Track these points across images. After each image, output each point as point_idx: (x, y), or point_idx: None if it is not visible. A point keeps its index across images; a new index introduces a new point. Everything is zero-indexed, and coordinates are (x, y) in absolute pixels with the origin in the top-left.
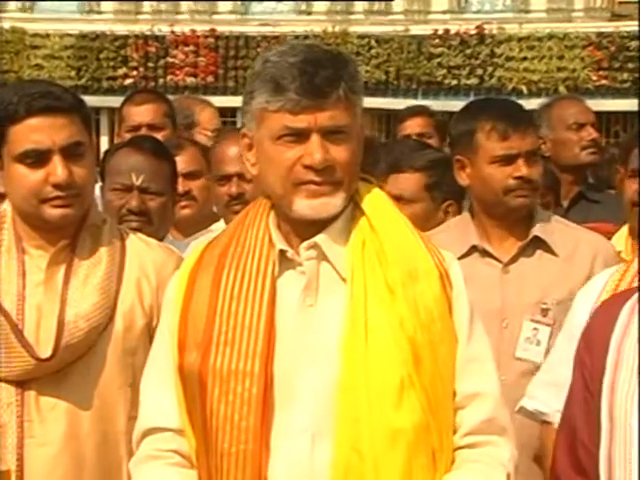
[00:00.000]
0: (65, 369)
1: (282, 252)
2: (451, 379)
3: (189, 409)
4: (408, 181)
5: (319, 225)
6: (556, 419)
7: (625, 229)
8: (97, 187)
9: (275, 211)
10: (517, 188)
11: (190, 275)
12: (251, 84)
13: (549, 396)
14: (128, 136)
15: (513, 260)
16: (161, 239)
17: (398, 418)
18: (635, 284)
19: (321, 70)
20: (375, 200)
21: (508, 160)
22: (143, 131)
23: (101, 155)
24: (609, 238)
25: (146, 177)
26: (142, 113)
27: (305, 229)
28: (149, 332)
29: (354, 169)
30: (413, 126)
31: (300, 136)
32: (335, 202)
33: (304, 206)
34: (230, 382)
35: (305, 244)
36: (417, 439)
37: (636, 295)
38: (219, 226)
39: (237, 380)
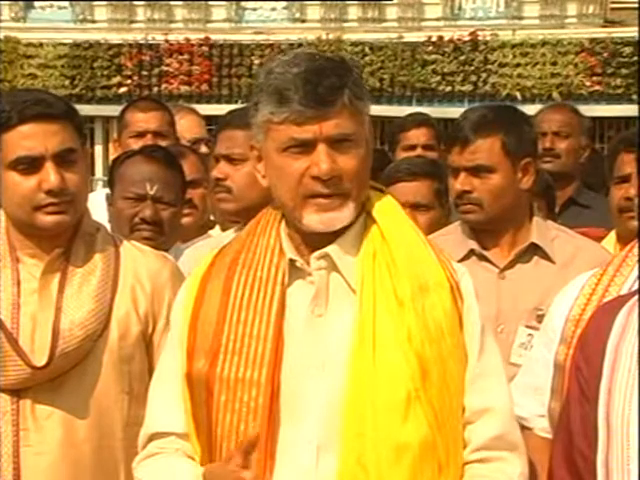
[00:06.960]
0: (61, 377)
1: (292, 261)
2: (459, 394)
3: (195, 416)
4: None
5: (331, 235)
6: (536, 424)
7: (613, 235)
8: (90, 196)
9: (286, 221)
10: (459, 204)
11: (201, 282)
12: (256, 96)
13: (528, 401)
14: (131, 142)
15: (510, 266)
16: (167, 249)
17: (404, 433)
18: (612, 288)
19: (324, 79)
20: (387, 210)
21: (453, 173)
22: (149, 138)
23: (96, 163)
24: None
25: (160, 187)
26: (149, 120)
27: (317, 239)
28: (144, 339)
29: (363, 178)
30: (419, 136)
31: (306, 147)
32: (344, 215)
33: (314, 220)
34: (237, 391)
35: (316, 254)
36: (423, 454)
37: (633, 300)
38: (216, 231)
39: (244, 389)
